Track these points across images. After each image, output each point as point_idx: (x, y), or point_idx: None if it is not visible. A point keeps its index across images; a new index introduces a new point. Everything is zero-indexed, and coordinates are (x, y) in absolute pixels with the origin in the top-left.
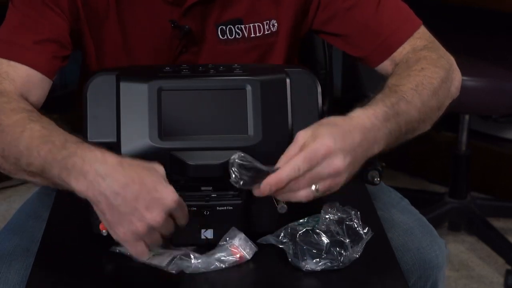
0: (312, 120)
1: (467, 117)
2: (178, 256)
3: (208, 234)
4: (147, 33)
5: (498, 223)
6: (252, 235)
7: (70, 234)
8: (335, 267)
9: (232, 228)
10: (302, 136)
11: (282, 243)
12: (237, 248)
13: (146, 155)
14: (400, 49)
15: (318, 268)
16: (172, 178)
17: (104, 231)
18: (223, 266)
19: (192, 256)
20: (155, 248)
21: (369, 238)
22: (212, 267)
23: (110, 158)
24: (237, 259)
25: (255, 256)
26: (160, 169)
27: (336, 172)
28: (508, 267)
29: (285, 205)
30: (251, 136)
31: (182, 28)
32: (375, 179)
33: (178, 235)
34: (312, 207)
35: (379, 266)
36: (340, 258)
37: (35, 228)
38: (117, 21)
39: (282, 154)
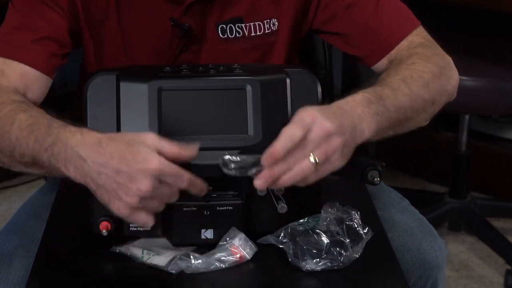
0: None
1: (467, 117)
2: (178, 256)
3: (208, 234)
4: (147, 32)
5: (498, 223)
6: (252, 235)
7: (70, 234)
8: (335, 267)
9: (232, 228)
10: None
11: (282, 243)
12: (237, 248)
13: None
14: (397, 48)
15: (318, 268)
16: None
17: (104, 231)
18: (223, 266)
19: (192, 256)
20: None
21: (369, 238)
22: (212, 267)
23: (89, 138)
24: (237, 259)
25: (255, 256)
26: (147, 138)
27: (327, 134)
28: (508, 267)
29: (285, 205)
30: (251, 136)
31: (182, 26)
32: (375, 179)
33: (178, 235)
34: (312, 207)
35: (379, 266)
36: (340, 258)
37: (35, 228)
38: (117, 20)
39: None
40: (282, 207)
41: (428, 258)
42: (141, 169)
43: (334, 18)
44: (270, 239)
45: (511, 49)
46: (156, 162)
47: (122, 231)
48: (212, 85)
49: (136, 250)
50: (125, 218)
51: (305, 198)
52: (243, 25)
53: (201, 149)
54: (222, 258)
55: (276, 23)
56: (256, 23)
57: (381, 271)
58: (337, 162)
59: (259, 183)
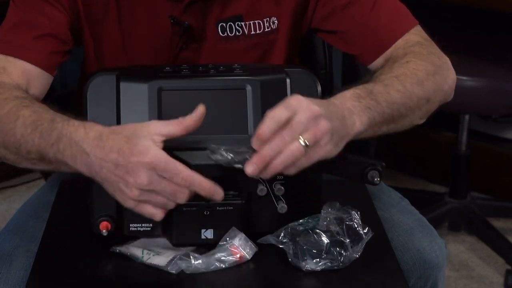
0: None
1: (467, 117)
2: (178, 256)
3: (208, 234)
4: (147, 30)
5: (498, 223)
6: (252, 235)
7: (70, 234)
8: (335, 267)
9: (232, 228)
10: None
11: (282, 243)
12: (237, 248)
13: None
14: (393, 46)
15: (318, 268)
16: None
17: (104, 231)
18: (223, 266)
19: (192, 256)
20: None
21: (369, 238)
22: (212, 267)
23: (92, 132)
24: (237, 259)
25: (255, 256)
26: (148, 127)
27: (314, 115)
28: (508, 267)
29: (285, 205)
30: (251, 136)
31: (182, 24)
32: (375, 179)
33: (178, 235)
34: (312, 207)
35: (379, 266)
36: (340, 258)
37: (35, 228)
38: (116, 19)
39: None
40: (282, 207)
41: (428, 258)
42: (137, 162)
43: (331, 16)
44: (270, 239)
45: (511, 49)
46: (150, 156)
47: (122, 231)
48: (212, 85)
49: (136, 250)
50: (132, 209)
51: (305, 198)
52: (243, 23)
53: (201, 149)
54: (222, 258)
55: (276, 21)
56: (256, 21)
57: (381, 271)
58: (328, 147)
59: (251, 168)
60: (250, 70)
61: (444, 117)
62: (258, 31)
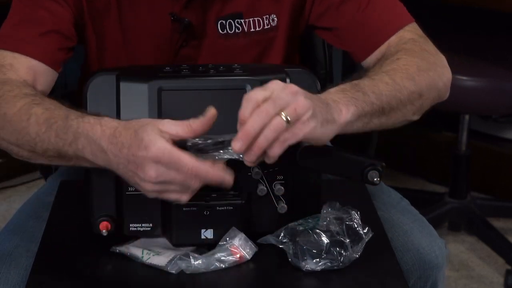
0: None
1: (467, 117)
2: (178, 256)
3: (208, 234)
4: (148, 27)
5: (498, 223)
6: (252, 235)
7: (70, 234)
8: (335, 267)
9: (232, 228)
10: None
11: (282, 243)
12: (237, 248)
13: None
14: (386, 43)
15: (318, 268)
16: None
17: (104, 231)
18: (223, 266)
19: (192, 256)
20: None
21: (369, 238)
22: (212, 267)
23: (107, 129)
24: (237, 259)
25: (255, 256)
26: (159, 125)
27: (294, 92)
28: (508, 267)
29: (285, 205)
30: None
31: (182, 21)
32: (375, 179)
33: (178, 235)
34: (312, 207)
35: (379, 266)
36: (340, 258)
37: (35, 228)
38: (117, 15)
39: None
40: (282, 207)
41: (428, 258)
42: (143, 157)
43: (327, 12)
44: (270, 239)
45: (511, 49)
46: (154, 149)
47: (122, 231)
48: (212, 85)
49: (136, 250)
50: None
51: (305, 198)
52: (242, 20)
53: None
54: (222, 258)
55: (276, 19)
56: (256, 18)
57: (381, 271)
58: (311, 124)
59: (238, 145)
60: (250, 70)
61: (444, 117)
62: (257, 29)
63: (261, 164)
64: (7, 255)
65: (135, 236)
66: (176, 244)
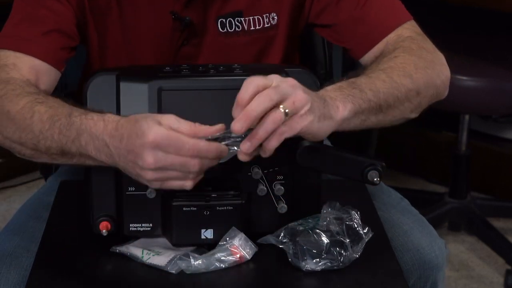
0: None
1: (467, 117)
2: (178, 256)
3: (208, 234)
4: (149, 25)
5: (498, 223)
6: (252, 235)
7: (70, 234)
8: (335, 267)
9: (232, 228)
10: None
11: (282, 243)
12: (237, 248)
13: None
14: (384, 40)
15: (318, 268)
16: None
17: (104, 231)
18: (223, 266)
19: (192, 256)
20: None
21: (369, 238)
22: (212, 267)
23: (110, 123)
24: (237, 259)
25: (255, 256)
26: (161, 118)
27: (293, 85)
28: (508, 267)
29: (285, 205)
30: None
31: (183, 20)
32: (375, 179)
33: (178, 235)
34: (312, 207)
35: (379, 266)
36: (340, 258)
37: (35, 229)
38: (118, 14)
39: None
40: (282, 207)
41: (428, 258)
42: (140, 144)
43: (326, 9)
44: (270, 239)
45: (511, 49)
46: (151, 134)
47: (122, 231)
48: (212, 85)
49: (136, 250)
50: (160, 188)
51: (305, 198)
52: (242, 19)
53: None
54: (222, 258)
55: (276, 17)
56: (256, 17)
57: (381, 271)
58: (308, 118)
59: (237, 125)
60: (250, 70)
61: (444, 117)
62: (258, 27)
63: (261, 164)
64: (7, 255)
65: (135, 236)
66: (176, 244)
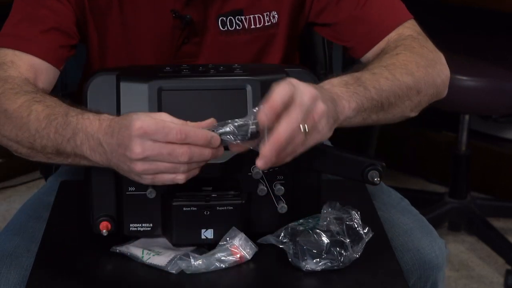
0: None
1: (467, 117)
2: (178, 256)
3: (208, 234)
4: (149, 24)
5: (498, 223)
6: (252, 235)
7: (70, 234)
8: (335, 267)
9: (232, 228)
10: None
11: (282, 243)
12: (237, 248)
13: None
14: (385, 39)
15: (318, 268)
16: None
17: (104, 231)
18: (223, 266)
19: (192, 256)
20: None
21: (369, 238)
22: (212, 267)
23: (104, 122)
24: (237, 259)
25: (255, 256)
26: (150, 113)
27: (313, 97)
28: (508, 267)
29: (285, 205)
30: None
31: (183, 18)
32: (375, 179)
33: (178, 235)
34: (312, 207)
35: (379, 266)
36: (340, 258)
37: (35, 229)
38: (119, 13)
39: None
40: (282, 207)
41: (428, 258)
42: (127, 135)
43: (327, 8)
44: (270, 239)
45: (511, 49)
46: (138, 123)
47: (122, 231)
48: (212, 85)
49: (136, 250)
50: (152, 184)
51: (305, 198)
52: (243, 17)
53: None
54: (222, 258)
55: (276, 15)
56: (256, 15)
57: (381, 271)
58: (324, 131)
59: (267, 152)
60: (250, 70)
61: (444, 117)
62: (258, 25)
63: None
64: (8, 255)
65: (135, 236)
66: (176, 244)
